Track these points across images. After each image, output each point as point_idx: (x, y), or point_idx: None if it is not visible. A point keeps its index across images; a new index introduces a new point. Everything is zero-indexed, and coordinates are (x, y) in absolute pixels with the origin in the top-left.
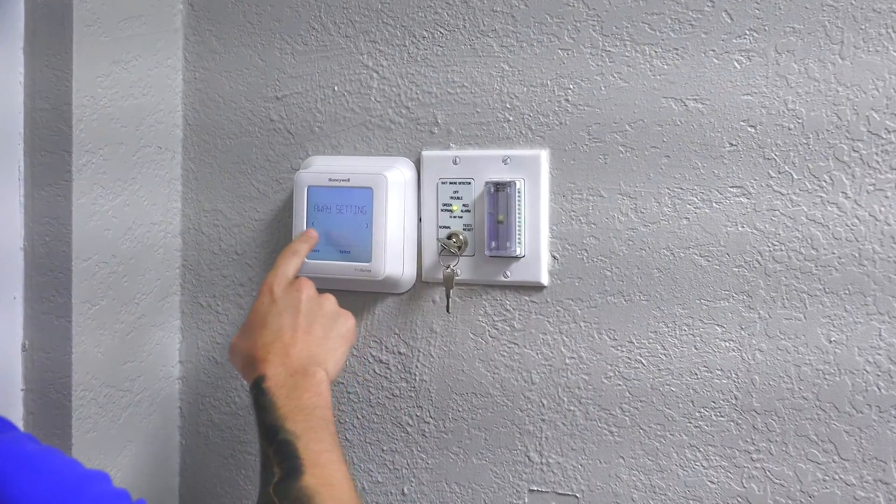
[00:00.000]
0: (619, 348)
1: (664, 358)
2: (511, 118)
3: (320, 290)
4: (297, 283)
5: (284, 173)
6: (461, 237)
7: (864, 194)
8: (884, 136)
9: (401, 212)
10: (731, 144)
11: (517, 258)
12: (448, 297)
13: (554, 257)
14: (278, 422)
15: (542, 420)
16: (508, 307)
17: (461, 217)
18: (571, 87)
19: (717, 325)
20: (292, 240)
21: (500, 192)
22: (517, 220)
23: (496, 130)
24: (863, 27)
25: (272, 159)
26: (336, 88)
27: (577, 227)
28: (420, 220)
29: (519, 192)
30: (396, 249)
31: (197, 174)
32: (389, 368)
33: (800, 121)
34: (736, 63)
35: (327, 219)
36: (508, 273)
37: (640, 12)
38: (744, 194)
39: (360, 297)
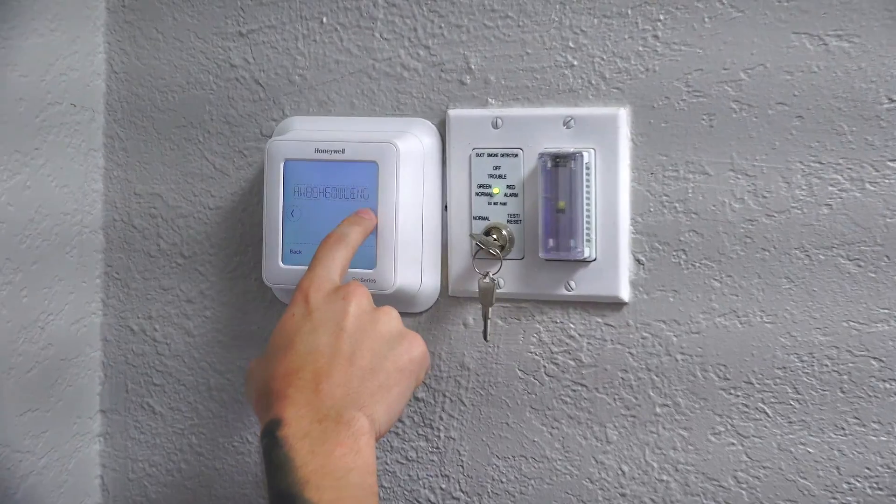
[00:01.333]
0: (735, 391)
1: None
2: (576, 62)
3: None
4: (345, 290)
5: (251, 142)
6: (505, 233)
7: None
8: None
9: (418, 197)
10: (892, 100)
11: (585, 263)
12: (486, 318)
13: (638, 261)
14: (295, 488)
15: (622, 495)
16: (573, 333)
17: (504, 204)
18: (662, 17)
19: (874, 357)
20: (262, 226)
21: (560, 167)
22: (585, 207)
23: (554, 79)
24: None
25: (233, 121)
26: (325, 20)
27: (672, 219)
28: (446, 208)
29: (587, 169)
30: (412, 251)
31: (126, 143)
32: (403, 421)
33: None
34: None
35: (313, 207)
36: (572, 284)
37: None
38: None
39: None
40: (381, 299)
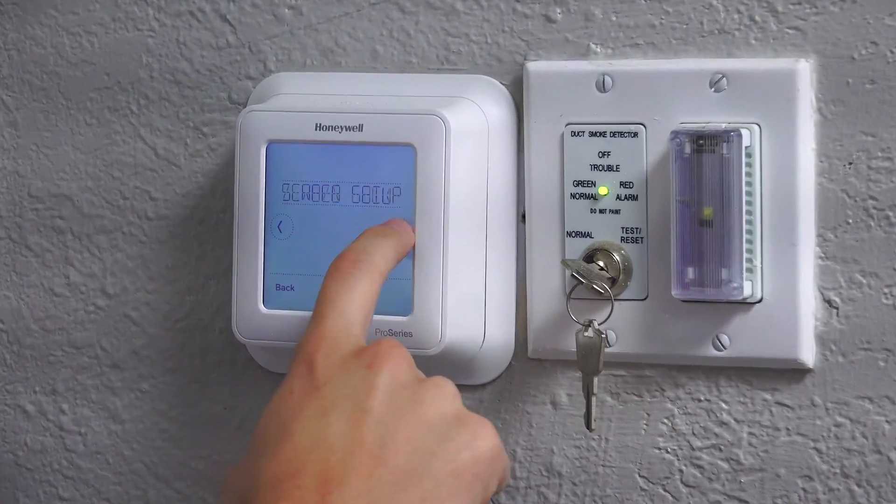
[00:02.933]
0: None
1: None
2: None
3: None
4: (372, 352)
5: (214, 112)
6: (617, 259)
7: None
8: None
9: (479, 201)
10: None
11: (745, 305)
12: (589, 393)
13: (829, 304)
14: None
15: None
16: (725, 417)
17: (617, 212)
18: None
19: None
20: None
21: (704, 153)
22: (744, 218)
23: (695, 14)
24: None
25: (186, 80)
26: None
27: (883, 235)
28: (524, 218)
29: (748, 156)
30: (470, 287)
31: (15, 115)
32: None
33: None
34: None
35: (313, 217)
36: (725, 339)
37: None
38: None
39: None
40: (422, 364)
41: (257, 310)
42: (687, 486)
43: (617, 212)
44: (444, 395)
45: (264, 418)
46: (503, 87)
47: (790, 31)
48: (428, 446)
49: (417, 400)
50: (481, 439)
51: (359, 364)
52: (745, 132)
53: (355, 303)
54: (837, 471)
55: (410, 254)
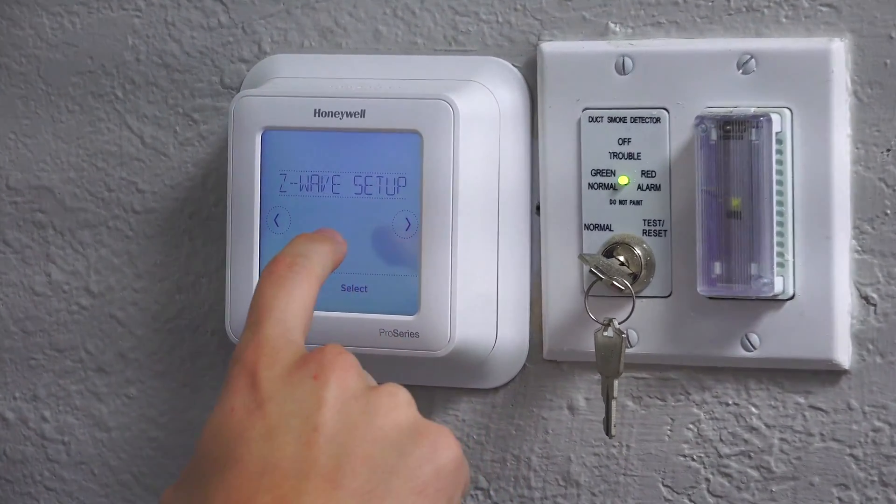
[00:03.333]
0: None
1: None
2: None
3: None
4: (316, 361)
5: (205, 97)
6: (639, 253)
7: None
8: None
9: (490, 191)
10: None
11: (776, 302)
12: (609, 397)
13: (867, 300)
14: None
15: None
16: (755, 423)
17: (638, 203)
18: None
19: None
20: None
21: (732, 140)
22: (775, 209)
23: None
24: None
25: (174, 64)
26: None
27: None
28: (538, 209)
29: (779, 143)
30: (481, 284)
31: None
32: None
33: None
34: None
35: (312, 210)
36: (754, 339)
37: None
38: None
39: None
40: (427, 365)
41: None
42: (714, 495)
43: (638, 203)
44: (398, 405)
45: (205, 438)
46: (515, 69)
47: (823, 9)
48: (387, 463)
49: (371, 411)
50: (442, 450)
51: (303, 375)
52: (775, 117)
53: (293, 307)
54: (875, 479)
55: (417, 249)
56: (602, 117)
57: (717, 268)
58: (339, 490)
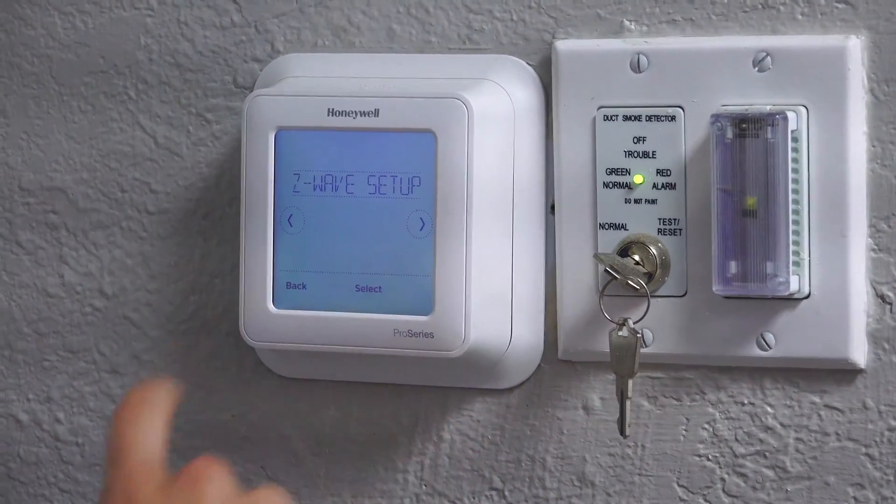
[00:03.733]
0: None
1: None
2: None
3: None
4: (188, 473)
5: (218, 97)
6: (654, 252)
7: None
8: None
9: (505, 190)
10: None
11: (792, 301)
12: (623, 397)
13: (883, 299)
14: None
15: None
16: (771, 422)
17: (653, 202)
18: None
19: None
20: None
21: (747, 138)
22: (791, 207)
23: None
24: None
25: (188, 64)
26: None
27: None
28: (553, 209)
29: (794, 140)
30: (495, 284)
31: (4, 102)
32: None
33: None
34: None
35: (327, 210)
36: (770, 338)
37: None
38: None
39: (406, 399)
40: (441, 366)
41: (266, 310)
42: (730, 495)
43: (653, 202)
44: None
45: None
46: (530, 67)
47: (840, 6)
48: None
49: None
50: None
51: (180, 487)
52: (791, 115)
53: (153, 436)
54: (891, 478)
55: (431, 249)
56: (617, 116)
57: (733, 267)
58: None
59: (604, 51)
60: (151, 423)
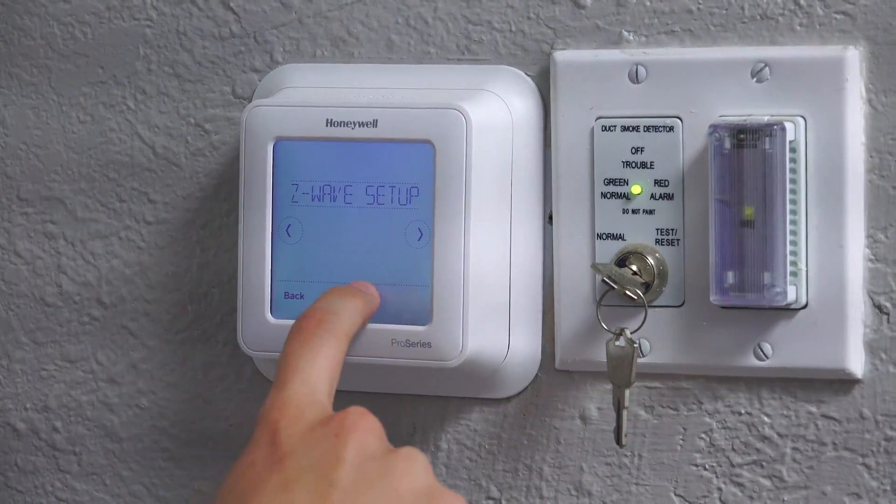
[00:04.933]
0: None
1: None
2: None
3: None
4: (338, 422)
5: (217, 108)
6: (651, 262)
7: None
8: None
9: (503, 200)
10: None
11: (789, 311)
12: (620, 407)
13: (880, 309)
14: None
15: None
16: (768, 432)
17: (651, 212)
18: None
19: None
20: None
21: (745, 149)
22: (788, 218)
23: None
24: None
25: (186, 73)
26: None
27: None
28: (551, 219)
29: (792, 151)
30: (493, 294)
31: (9, 110)
32: None
33: None
34: None
35: (325, 220)
36: (767, 349)
37: None
38: None
39: (403, 408)
40: (439, 377)
41: (265, 320)
42: None
43: (651, 212)
44: (415, 468)
45: (225, 489)
46: (528, 78)
47: (838, 17)
48: None
49: (387, 473)
50: None
51: (324, 434)
52: (789, 125)
53: (319, 367)
54: (888, 488)
55: (429, 259)
56: (615, 126)
57: (730, 277)
58: None
59: (602, 61)
60: (323, 349)
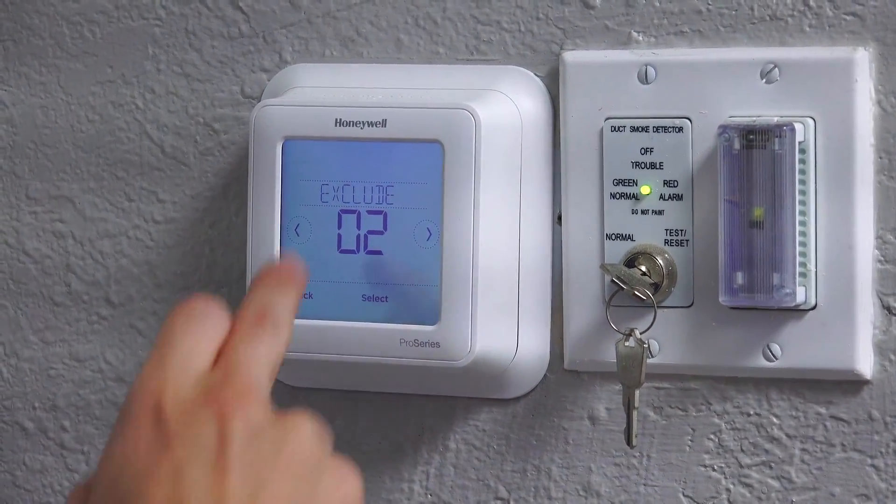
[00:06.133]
0: None
1: None
2: None
3: (283, 402)
4: (216, 392)
5: (226, 107)
6: (661, 263)
7: None
8: None
9: (512, 200)
10: None
11: (798, 312)
12: (630, 407)
13: (889, 310)
14: None
15: None
16: (776, 433)
17: (660, 213)
18: None
19: None
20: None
21: (755, 149)
22: (798, 219)
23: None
24: None
25: (195, 73)
26: None
27: None
28: (560, 219)
29: (802, 152)
30: (502, 294)
31: (17, 109)
32: None
33: None
34: None
35: (336, 221)
36: (776, 349)
37: None
38: None
39: (412, 408)
40: (447, 376)
41: None
42: None
43: (660, 212)
44: (304, 434)
45: (109, 471)
46: (537, 78)
47: (847, 18)
48: (303, 495)
49: (280, 440)
50: (347, 483)
51: (210, 413)
52: (798, 126)
53: (201, 341)
54: None
55: (437, 258)
56: (624, 127)
57: (739, 278)
58: None
59: (611, 62)
60: (205, 325)
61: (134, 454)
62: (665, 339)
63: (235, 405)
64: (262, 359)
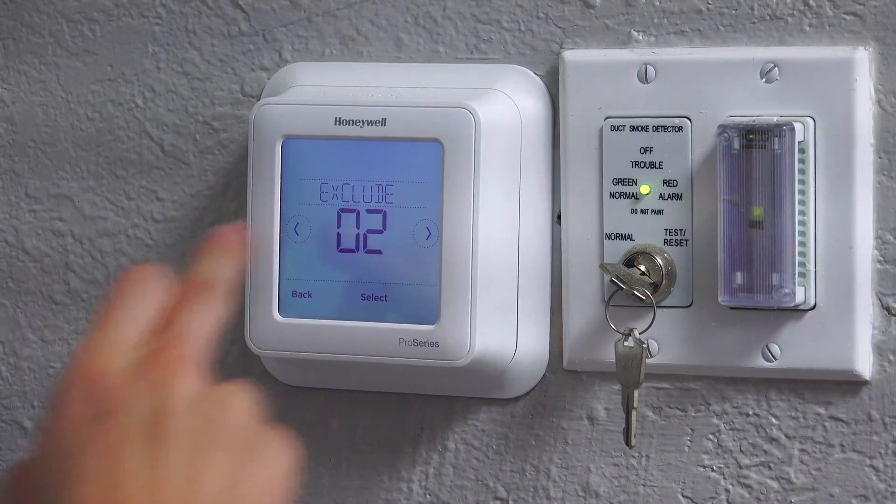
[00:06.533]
0: None
1: None
2: None
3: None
4: (152, 358)
5: (225, 106)
6: (660, 262)
7: None
8: None
9: (511, 200)
10: None
11: (798, 312)
12: (629, 407)
13: (888, 310)
14: None
15: None
16: (776, 433)
17: (660, 212)
18: None
19: None
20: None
21: (754, 149)
22: (797, 219)
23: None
24: None
25: (194, 71)
26: None
27: None
28: (559, 218)
29: (801, 152)
30: (501, 294)
31: (17, 108)
32: None
33: None
34: None
35: (336, 220)
36: (775, 349)
37: None
38: None
39: (411, 408)
40: (446, 375)
41: (272, 319)
42: None
43: (660, 212)
44: (244, 408)
45: (46, 447)
46: (537, 77)
47: (847, 17)
48: (236, 472)
49: (216, 416)
50: (285, 455)
51: (146, 384)
52: (798, 126)
53: (139, 306)
54: None
55: (437, 258)
56: (624, 126)
57: (739, 278)
58: (195, 485)
59: (611, 61)
60: (143, 296)
61: (70, 428)
62: (664, 339)
63: (172, 375)
64: (202, 326)
